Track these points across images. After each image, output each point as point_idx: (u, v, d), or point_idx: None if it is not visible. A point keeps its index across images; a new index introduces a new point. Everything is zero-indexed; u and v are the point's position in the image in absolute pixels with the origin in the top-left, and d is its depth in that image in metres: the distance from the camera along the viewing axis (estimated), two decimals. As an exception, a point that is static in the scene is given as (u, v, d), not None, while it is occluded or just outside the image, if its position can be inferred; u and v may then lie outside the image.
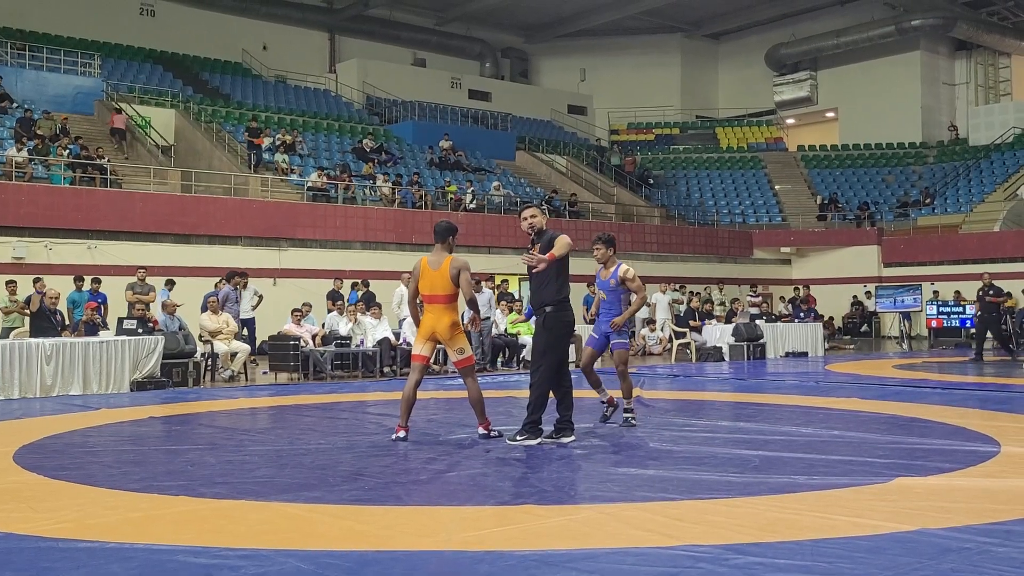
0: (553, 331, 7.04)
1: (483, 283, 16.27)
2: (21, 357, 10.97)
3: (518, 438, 6.92)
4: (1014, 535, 4.08)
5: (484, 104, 36.29)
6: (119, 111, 23.92)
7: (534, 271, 7.07)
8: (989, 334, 17.92)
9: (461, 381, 13.01)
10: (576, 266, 7.41)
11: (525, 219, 7.18)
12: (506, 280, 19.16)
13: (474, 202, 24.36)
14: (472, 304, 7.13)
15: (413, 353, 7.29)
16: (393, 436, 7.13)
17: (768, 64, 38.19)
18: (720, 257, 28.46)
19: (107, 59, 28.27)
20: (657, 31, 39.15)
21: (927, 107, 35.59)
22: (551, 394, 7.20)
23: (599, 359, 8.48)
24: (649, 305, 21.66)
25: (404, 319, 15.36)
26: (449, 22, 37.26)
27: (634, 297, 7.95)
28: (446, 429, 7.88)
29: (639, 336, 21.21)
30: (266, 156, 24.05)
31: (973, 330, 20.49)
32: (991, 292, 17.31)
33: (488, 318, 15.45)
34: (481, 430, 7.22)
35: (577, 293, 8.89)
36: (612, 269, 7.97)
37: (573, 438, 7.08)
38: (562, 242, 6.96)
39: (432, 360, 7.57)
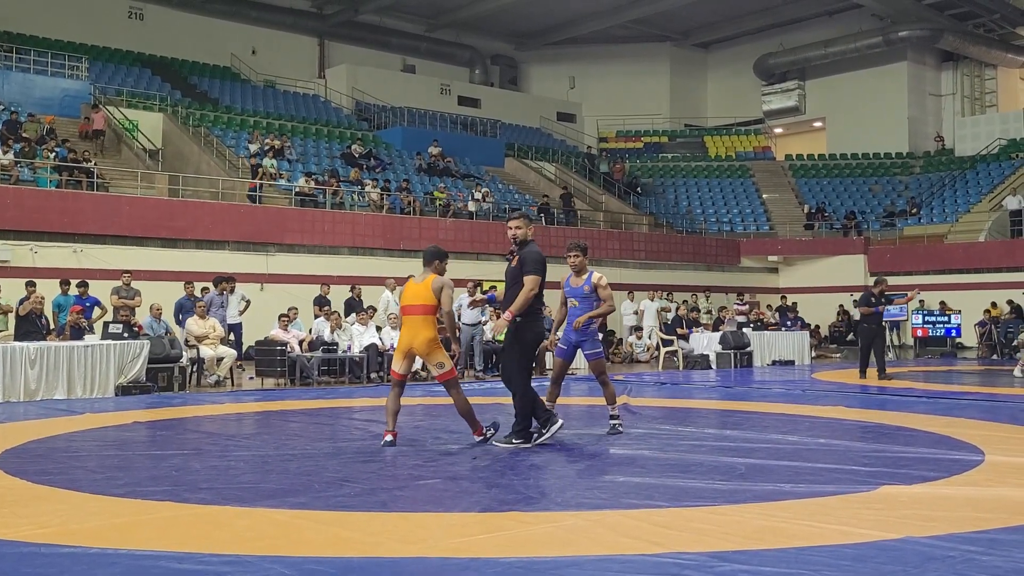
0: (525, 341, 7.14)
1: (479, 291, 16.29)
2: (5, 361, 10.89)
3: (514, 441, 6.95)
4: (998, 544, 4.09)
5: (473, 111, 36.31)
6: (96, 107, 23.81)
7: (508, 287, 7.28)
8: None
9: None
10: (550, 273, 7.47)
11: (510, 229, 7.34)
12: (494, 287, 19.12)
13: (450, 212, 24.24)
14: (448, 316, 7.16)
15: (392, 369, 7.35)
16: (382, 441, 7.15)
17: (756, 73, 38.36)
18: (707, 265, 28.54)
19: (95, 62, 28.16)
20: (646, 40, 39.30)
21: (913, 118, 35.81)
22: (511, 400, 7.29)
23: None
24: (637, 312, 21.71)
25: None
26: (439, 29, 37.30)
27: (602, 304, 7.96)
28: (432, 436, 7.87)
29: (626, 344, 21.24)
30: (254, 161, 24.00)
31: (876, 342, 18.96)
32: (884, 301, 14.93)
33: (479, 323, 15.43)
34: (476, 437, 7.27)
35: (552, 299, 8.87)
36: (584, 276, 7.98)
37: (527, 445, 7.10)
38: (527, 289, 7.06)
39: (409, 376, 7.57)
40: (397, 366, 7.23)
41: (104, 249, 18.05)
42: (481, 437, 7.23)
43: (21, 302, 12.97)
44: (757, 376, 15.85)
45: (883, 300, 15.06)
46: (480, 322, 15.61)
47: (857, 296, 28.03)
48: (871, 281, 28.49)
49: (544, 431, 7.17)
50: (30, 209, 17.64)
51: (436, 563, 3.82)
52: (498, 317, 16.39)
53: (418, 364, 9.01)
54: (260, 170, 22.56)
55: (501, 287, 8.44)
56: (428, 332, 7.06)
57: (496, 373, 15.80)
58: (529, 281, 7.09)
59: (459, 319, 15.05)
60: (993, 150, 33.08)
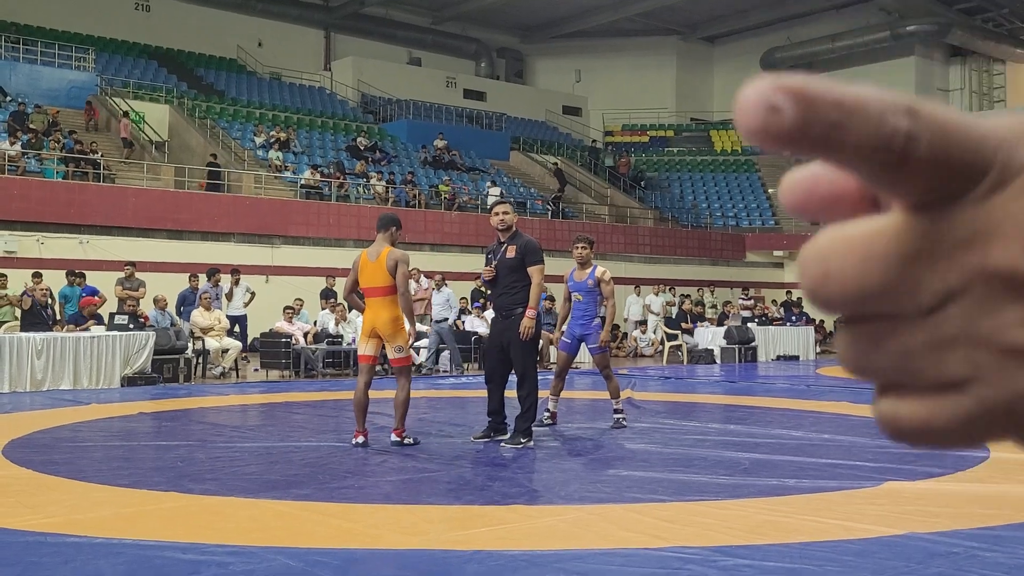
0: (534, 335, 7.04)
1: (445, 281, 15.59)
2: (11, 351, 10.93)
3: (522, 440, 6.85)
4: (1002, 540, 4.09)
5: (479, 104, 36.28)
6: (126, 115, 23.56)
7: (499, 258, 7.14)
8: None
9: (453, 380, 13.07)
10: (554, 267, 7.44)
11: (497, 214, 7.19)
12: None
13: (455, 205, 24.25)
14: (404, 298, 6.84)
15: (359, 353, 7.03)
16: (352, 441, 6.85)
17: (763, 68, 38.24)
18: (713, 260, 28.51)
19: (101, 54, 28.19)
20: (653, 33, 39.21)
21: (921, 113, 35.69)
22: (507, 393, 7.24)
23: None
24: (642, 307, 21.70)
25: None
26: (445, 21, 37.26)
27: (607, 303, 7.91)
28: (436, 428, 7.88)
29: (631, 338, 21.24)
30: (260, 153, 24.03)
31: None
32: None
33: (447, 319, 14.83)
34: (394, 436, 6.80)
35: (556, 293, 8.88)
36: (589, 270, 7.92)
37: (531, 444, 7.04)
38: (538, 281, 6.98)
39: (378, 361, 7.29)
40: (364, 348, 6.91)
41: (110, 240, 18.09)
42: (399, 439, 6.79)
43: (23, 294, 12.99)
44: (761, 371, 15.85)
45: None
46: (446, 319, 14.79)
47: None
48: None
49: (492, 435, 7.08)
50: (36, 200, 17.68)
51: (439, 555, 3.83)
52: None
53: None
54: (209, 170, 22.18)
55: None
56: (391, 312, 6.76)
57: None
58: (537, 273, 7.00)
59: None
60: (1001, 146, 32.98)
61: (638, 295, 22.23)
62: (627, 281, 23.35)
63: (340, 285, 17.42)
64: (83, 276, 14.52)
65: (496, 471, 5.88)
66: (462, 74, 37.88)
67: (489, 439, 7.07)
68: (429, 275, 16.63)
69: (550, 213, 26.25)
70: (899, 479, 5.52)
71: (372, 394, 7.10)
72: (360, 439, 6.84)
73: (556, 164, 30.16)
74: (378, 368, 7.95)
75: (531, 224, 23.71)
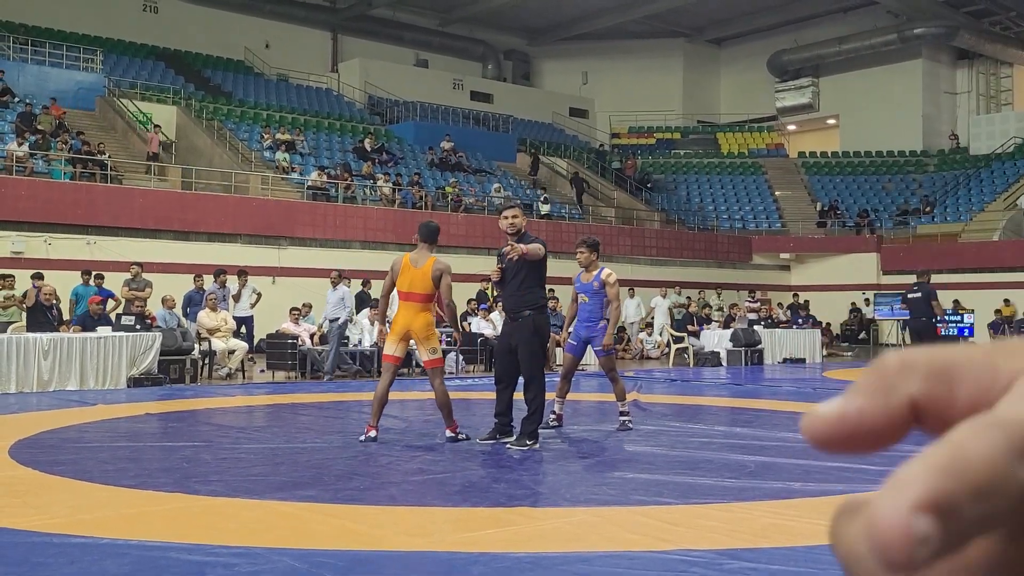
0: (539, 335, 7.03)
1: (342, 278, 14.37)
2: (18, 351, 10.96)
3: (528, 443, 6.85)
4: (1008, 544, 4.07)
5: (486, 106, 36.29)
6: (157, 127, 23.33)
7: (508, 258, 7.06)
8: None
9: (459, 382, 13.06)
10: (561, 268, 7.42)
11: (507, 218, 7.19)
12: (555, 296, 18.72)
13: (461, 207, 24.29)
14: (450, 308, 7.12)
15: (385, 353, 7.19)
16: (362, 437, 6.98)
17: (770, 70, 38.21)
18: (719, 262, 28.46)
19: (109, 55, 28.26)
20: (659, 35, 39.19)
21: (928, 115, 35.61)
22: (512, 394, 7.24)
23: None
24: (643, 307, 21.67)
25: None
26: (452, 23, 37.30)
27: (612, 305, 7.88)
28: (442, 430, 7.86)
29: (636, 340, 21.22)
30: (267, 154, 24.07)
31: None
32: (916, 290, 13.05)
33: (338, 319, 13.69)
34: (448, 433, 7.10)
35: (563, 295, 8.86)
36: (595, 272, 7.93)
37: (536, 446, 7.03)
38: (535, 246, 6.99)
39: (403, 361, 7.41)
40: (391, 349, 7.04)
41: (117, 241, 18.11)
42: (453, 435, 7.03)
43: (24, 294, 13.01)
44: (768, 374, 15.82)
45: (916, 288, 13.39)
46: (338, 318, 13.69)
47: (870, 295, 28.08)
48: (883, 279, 28.46)
49: (498, 437, 7.08)
50: (44, 201, 17.72)
51: (444, 557, 3.83)
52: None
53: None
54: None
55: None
56: (427, 316, 6.97)
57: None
58: (536, 246, 6.97)
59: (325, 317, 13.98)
60: (1008, 149, 32.87)
61: (632, 297, 22.17)
62: (634, 283, 23.34)
63: (377, 288, 17.41)
64: (101, 278, 14.53)
65: (502, 473, 5.87)
66: (469, 76, 37.90)
67: (495, 441, 7.07)
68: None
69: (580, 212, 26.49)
70: (905, 483, 5.50)
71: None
72: (372, 434, 6.97)
73: (533, 152, 30.45)
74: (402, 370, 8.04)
75: (538, 226, 23.72)
